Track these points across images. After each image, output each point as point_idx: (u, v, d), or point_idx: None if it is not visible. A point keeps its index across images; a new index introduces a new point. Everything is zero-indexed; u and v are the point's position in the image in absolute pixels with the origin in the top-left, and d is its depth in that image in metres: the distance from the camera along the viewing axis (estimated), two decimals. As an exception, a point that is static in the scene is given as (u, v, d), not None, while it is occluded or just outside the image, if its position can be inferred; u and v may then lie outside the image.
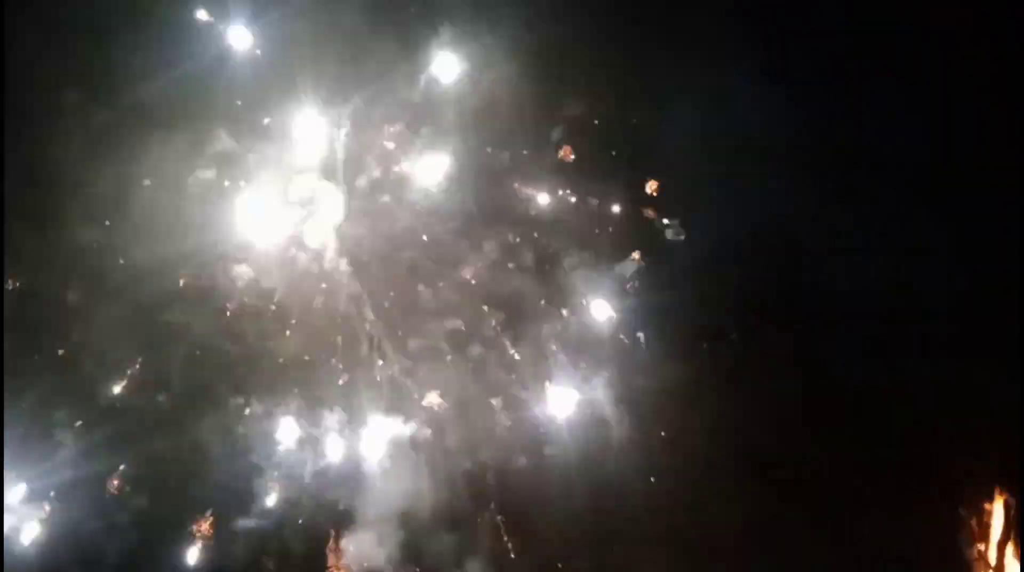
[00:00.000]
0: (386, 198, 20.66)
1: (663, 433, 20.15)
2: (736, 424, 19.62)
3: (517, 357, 20.37)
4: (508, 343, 20.36)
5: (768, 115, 20.29)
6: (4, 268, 17.39)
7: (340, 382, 19.88)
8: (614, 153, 21.29)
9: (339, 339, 19.99)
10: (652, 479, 19.88)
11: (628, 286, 20.90)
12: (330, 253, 20.20)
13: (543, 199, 21.22)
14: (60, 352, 18.73)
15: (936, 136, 20.25)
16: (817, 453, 19.47)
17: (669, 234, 21.17)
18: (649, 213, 21.35)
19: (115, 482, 18.37)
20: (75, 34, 18.96)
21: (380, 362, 19.96)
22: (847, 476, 19.38)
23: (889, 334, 19.98)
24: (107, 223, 18.95)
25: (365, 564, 18.88)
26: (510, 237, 20.83)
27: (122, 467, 18.40)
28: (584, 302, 20.88)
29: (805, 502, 19.41)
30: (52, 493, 17.95)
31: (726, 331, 20.64)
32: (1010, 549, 19.48)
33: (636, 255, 21.02)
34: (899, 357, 19.83)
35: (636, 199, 21.38)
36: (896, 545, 18.88)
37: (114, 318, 18.51)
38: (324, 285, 20.10)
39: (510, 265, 20.65)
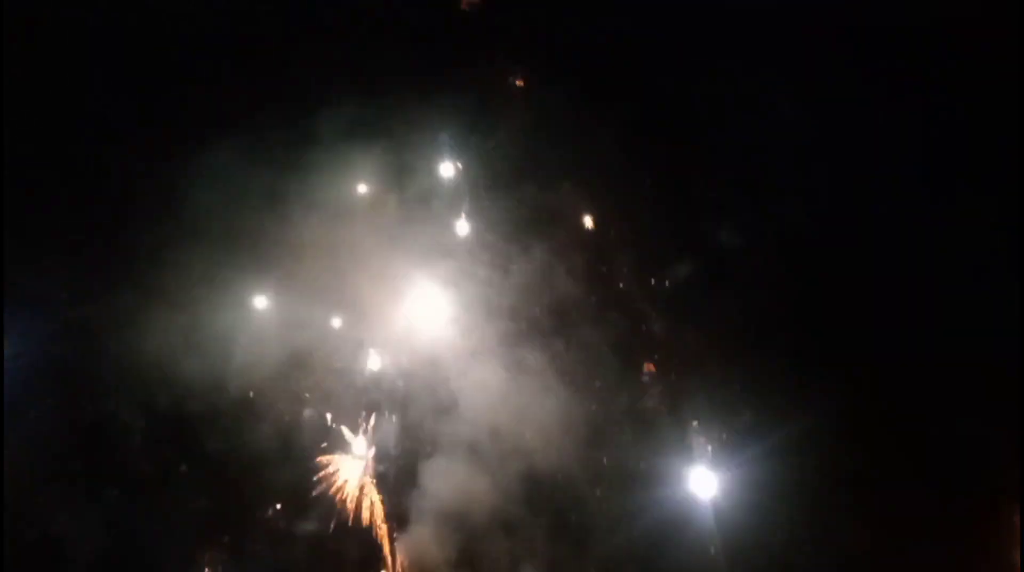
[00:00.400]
0: (437, 203, 21.05)
1: (718, 438, 20.38)
2: (791, 430, 19.60)
3: (569, 360, 20.65)
4: (561, 346, 20.64)
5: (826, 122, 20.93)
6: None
7: (399, 384, 20.49)
8: (668, 156, 21.50)
9: (394, 342, 20.51)
10: (703, 485, 20.01)
11: (679, 290, 21.17)
12: (385, 259, 20.50)
13: (594, 202, 21.39)
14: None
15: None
16: (873, 459, 19.72)
17: (723, 238, 21.36)
18: (703, 217, 21.46)
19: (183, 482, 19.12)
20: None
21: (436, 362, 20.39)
22: (904, 483, 19.67)
23: (946, 346, 19.85)
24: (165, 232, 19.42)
25: (420, 563, 19.51)
26: (563, 241, 21.13)
27: (183, 467, 19.15)
28: (636, 306, 21.23)
29: (863, 508, 19.65)
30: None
31: (778, 338, 20.64)
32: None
33: (688, 260, 21.25)
34: (956, 370, 19.62)
35: (688, 203, 21.60)
36: (950, 550, 19.16)
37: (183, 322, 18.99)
38: (380, 288, 20.43)
39: (562, 269, 20.87)
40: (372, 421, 20.29)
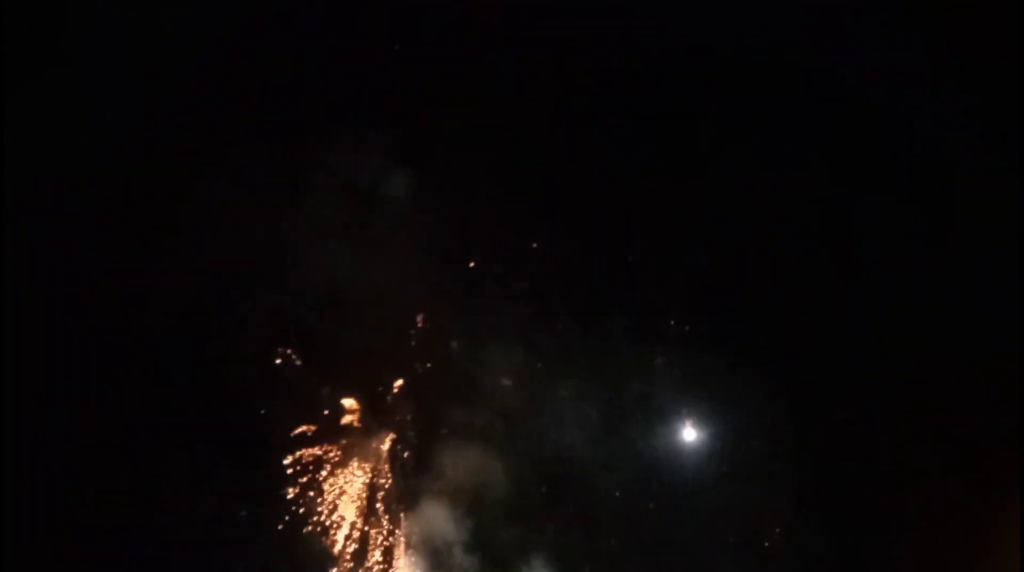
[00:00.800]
0: (451, 185, 20.77)
1: (727, 433, 20.59)
2: (800, 425, 20.20)
3: (585, 349, 20.57)
4: (576, 335, 20.55)
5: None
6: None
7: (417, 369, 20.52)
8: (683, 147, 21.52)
9: (409, 328, 20.52)
10: (714, 477, 20.31)
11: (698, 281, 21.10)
12: (398, 242, 20.32)
13: (611, 190, 21.02)
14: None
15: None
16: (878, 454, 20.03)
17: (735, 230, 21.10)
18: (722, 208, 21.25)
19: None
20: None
21: (454, 344, 20.46)
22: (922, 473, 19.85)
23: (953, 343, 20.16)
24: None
25: (432, 547, 19.56)
26: (578, 229, 20.92)
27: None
28: (652, 296, 21.16)
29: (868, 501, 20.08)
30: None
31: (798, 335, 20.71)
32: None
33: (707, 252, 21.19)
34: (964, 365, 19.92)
35: (708, 193, 21.40)
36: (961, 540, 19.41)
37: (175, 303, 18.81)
38: (393, 274, 20.14)
39: (578, 258, 20.84)
40: (389, 403, 20.39)
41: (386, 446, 19.97)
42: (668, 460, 20.41)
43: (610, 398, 20.55)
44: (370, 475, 19.79)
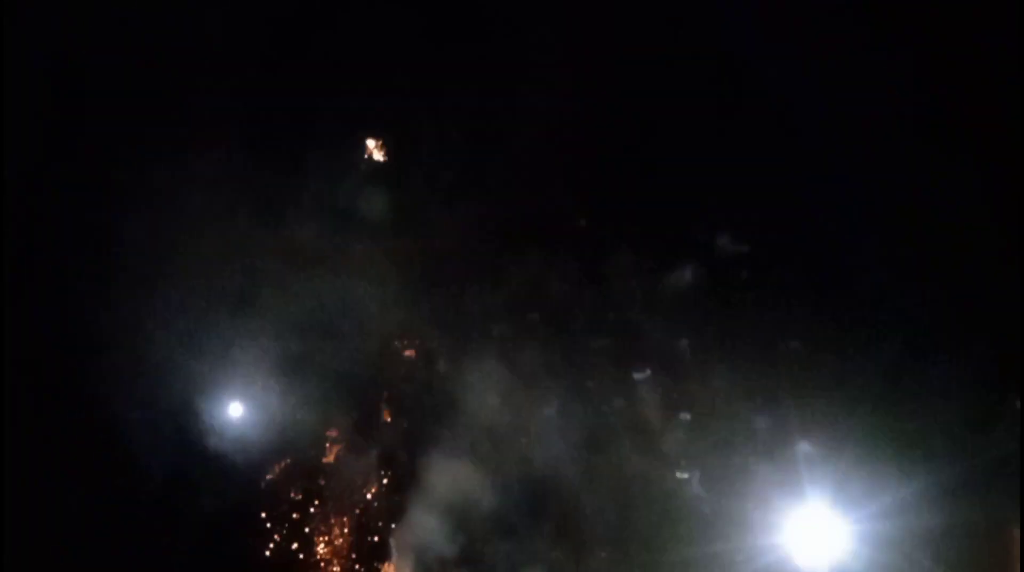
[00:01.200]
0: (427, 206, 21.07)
1: (709, 440, 20.46)
2: (791, 434, 20.09)
3: (565, 362, 20.69)
4: (557, 352, 20.64)
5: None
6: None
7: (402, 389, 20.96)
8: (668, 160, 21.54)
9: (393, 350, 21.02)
10: (698, 485, 20.28)
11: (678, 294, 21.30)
12: (378, 265, 20.52)
13: (591, 207, 21.54)
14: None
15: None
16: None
17: (723, 244, 21.60)
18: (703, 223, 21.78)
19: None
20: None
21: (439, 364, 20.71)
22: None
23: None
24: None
25: (421, 563, 19.66)
26: (557, 245, 21.19)
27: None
28: (633, 309, 21.23)
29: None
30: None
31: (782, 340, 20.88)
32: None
33: (688, 264, 21.40)
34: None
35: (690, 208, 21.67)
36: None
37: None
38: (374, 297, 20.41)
39: (556, 274, 20.98)
40: (376, 421, 20.80)
41: (374, 465, 20.38)
42: (651, 473, 20.33)
43: (592, 414, 20.61)
44: (359, 494, 20.22)
